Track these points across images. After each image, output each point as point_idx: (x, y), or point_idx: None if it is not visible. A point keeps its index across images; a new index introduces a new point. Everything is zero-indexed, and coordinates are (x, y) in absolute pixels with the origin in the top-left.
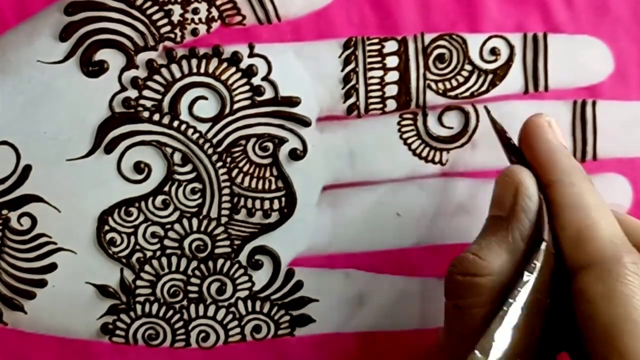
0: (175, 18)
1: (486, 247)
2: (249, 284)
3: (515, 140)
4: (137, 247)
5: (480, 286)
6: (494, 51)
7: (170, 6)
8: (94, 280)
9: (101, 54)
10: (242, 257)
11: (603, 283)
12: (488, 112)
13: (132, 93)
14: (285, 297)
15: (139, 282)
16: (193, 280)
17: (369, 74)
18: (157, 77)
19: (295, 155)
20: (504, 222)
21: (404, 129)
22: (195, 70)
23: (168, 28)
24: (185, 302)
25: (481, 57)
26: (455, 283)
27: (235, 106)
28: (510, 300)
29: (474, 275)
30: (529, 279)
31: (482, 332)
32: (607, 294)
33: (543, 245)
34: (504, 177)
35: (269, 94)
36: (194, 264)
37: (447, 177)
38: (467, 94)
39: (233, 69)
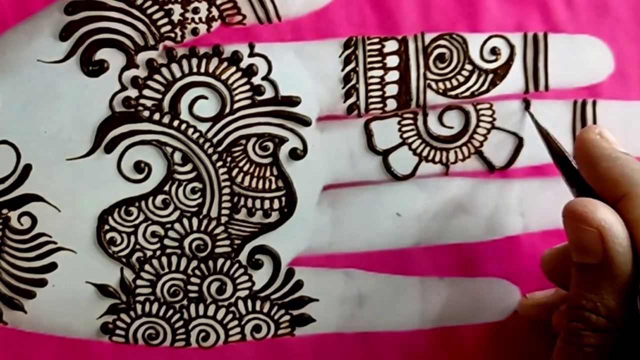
0: (176, 17)
1: (605, 306)
2: (249, 284)
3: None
4: (137, 246)
5: (611, 337)
6: (494, 51)
7: (170, 5)
8: (94, 280)
9: (101, 54)
10: (242, 257)
11: None
12: (532, 116)
13: (133, 92)
14: (285, 296)
15: (139, 282)
16: (193, 279)
17: (369, 73)
18: (157, 77)
19: (295, 154)
20: (604, 270)
21: (404, 129)
22: (195, 70)
23: (168, 27)
24: (185, 302)
25: (481, 57)
26: (584, 336)
27: (236, 106)
28: None
29: (606, 332)
30: None
31: None
32: None
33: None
34: (576, 224)
35: (269, 93)
36: (194, 263)
37: (447, 177)
38: (468, 93)
39: (233, 69)
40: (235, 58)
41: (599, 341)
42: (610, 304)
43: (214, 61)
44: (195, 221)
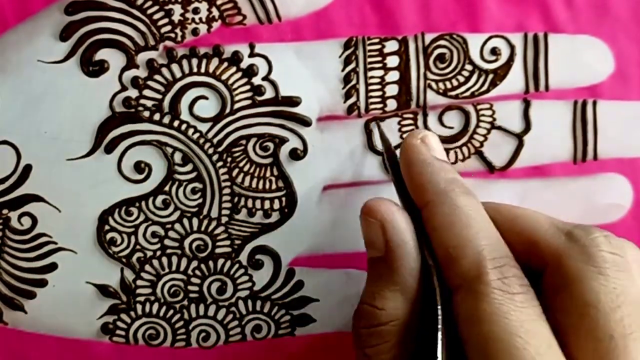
0: (176, 18)
1: (379, 295)
2: (249, 284)
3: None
4: (138, 246)
5: (385, 333)
6: (494, 51)
7: (170, 6)
8: (94, 280)
9: (102, 54)
10: (243, 257)
11: (468, 304)
12: (379, 127)
13: (133, 93)
14: (285, 296)
15: (139, 282)
16: (193, 280)
17: (370, 73)
18: (157, 77)
19: (295, 155)
20: (385, 263)
21: (404, 129)
22: (195, 70)
23: (168, 28)
24: (185, 302)
25: (482, 57)
26: (361, 335)
27: (236, 106)
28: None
29: (377, 326)
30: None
31: None
32: (472, 315)
33: (433, 272)
34: (364, 217)
35: (269, 93)
36: (195, 263)
37: None
38: (468, 93)
39: (233, 69)
40: (236, 58)
41: (377, 338)
42: (386, 296)
43: (214, 61)
44: (195, 221)
